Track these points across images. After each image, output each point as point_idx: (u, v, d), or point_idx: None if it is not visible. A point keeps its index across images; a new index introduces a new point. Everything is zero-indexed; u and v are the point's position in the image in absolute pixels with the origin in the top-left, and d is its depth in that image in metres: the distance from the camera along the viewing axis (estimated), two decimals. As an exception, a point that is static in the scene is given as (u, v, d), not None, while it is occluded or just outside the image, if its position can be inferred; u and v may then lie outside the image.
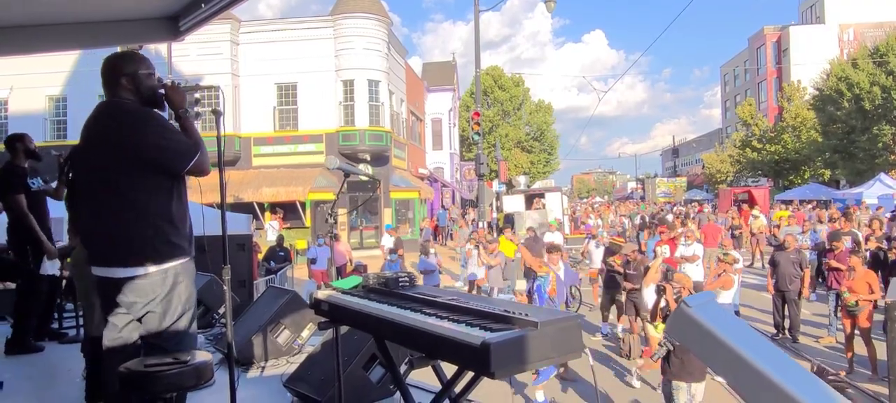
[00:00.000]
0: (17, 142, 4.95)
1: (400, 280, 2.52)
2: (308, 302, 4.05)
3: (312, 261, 14.06)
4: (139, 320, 2.55)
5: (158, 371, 2.24)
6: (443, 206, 31.88)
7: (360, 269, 14.31)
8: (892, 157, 30.80)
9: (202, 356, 2.49)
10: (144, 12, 4.69)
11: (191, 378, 2.30)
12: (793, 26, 48.79)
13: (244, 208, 18.85)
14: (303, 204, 21.52)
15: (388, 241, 16.63)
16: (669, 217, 19.77)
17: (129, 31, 4.72)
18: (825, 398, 0.99)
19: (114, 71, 2.71)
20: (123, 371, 2.23)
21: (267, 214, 21.32)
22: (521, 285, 15.99)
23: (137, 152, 2.52)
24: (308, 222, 21.75)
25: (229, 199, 20.94)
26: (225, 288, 3.07)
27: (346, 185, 2.99)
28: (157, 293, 2.54)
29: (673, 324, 1.06)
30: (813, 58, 40.63)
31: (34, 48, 5.44)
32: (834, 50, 42.74)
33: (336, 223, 2.79)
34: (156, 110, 2.77)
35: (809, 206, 25.29)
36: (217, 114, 3.09)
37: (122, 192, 2.54)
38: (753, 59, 51.93)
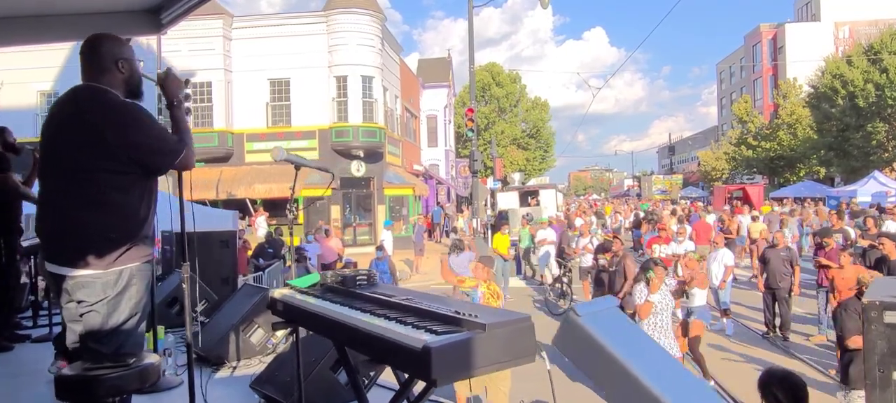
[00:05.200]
0: None
1: (357, 278, 2.41)
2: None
3: (304, 258, 13.91)
4: (80, 317, 2.42)
5: (98, 375, 2.13)
6: (438, 203, 31.76)
7: (349, 267, 14.17)
8: (886, 155, 30.81)
9: (151, 358, 2.39)
10: (125, 4, 4.62)
11: (133, 381, 2.19)
12: (788, 24, 48.76)
13: (237, 205, 18.72)
14: (295, 201, 21.38)
15: (386, 238, 16.53)
16: (711, 216, 18.77)
17: (109, 23, 4.63)
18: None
19: (108, 53, 2.55)
20: (58, 376, 2.11)
21: (259, 210, 21.22)
22: (516, 282, 15.92)
23: (124, 151, 2.39)
24: (301, 219, 21.58)
25: (222, 195, 20.98)
26: (184, 286, 2.96)
27: (297, 179, 2.87)
28: (108, 293, 2.41)
29: (559, 336, 0.95)
30: (809, 55, 40.60)
31: (12, 40, 5.32)
32: (829, 47, 42.73)
33: (295, 218, 2.68)
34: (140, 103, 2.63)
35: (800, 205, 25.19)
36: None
37: (98, 191, 2.39)
38: (749, 57, 51.92)
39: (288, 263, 11.80)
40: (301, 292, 2.52)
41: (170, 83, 2.68)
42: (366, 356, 1.86)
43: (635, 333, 1.03)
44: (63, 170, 2.45)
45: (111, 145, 2.38)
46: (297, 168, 2.75)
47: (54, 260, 2.46)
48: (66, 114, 2.52)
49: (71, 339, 2.50)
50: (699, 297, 8.02)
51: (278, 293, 2.58)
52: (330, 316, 2.06)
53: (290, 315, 2.46)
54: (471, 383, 5.33)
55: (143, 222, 2.52)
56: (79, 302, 2.42)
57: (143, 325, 2.59)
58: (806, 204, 23.53)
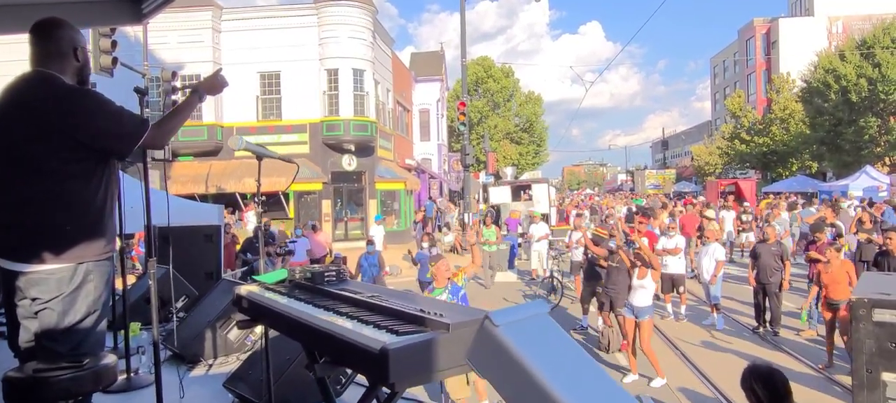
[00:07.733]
0: None
1: (326, 274, 2.30)
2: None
3: (289, 253, 13.77)
4: (35, 315, 2.30)
5: (48, 376, 2.01)
6: (430, 198, 31.64)
7: (339, 261, 14.03)
8: (878, 150, 30.87)
9: (108, 358, 2.27)
10: (105, -7, 4.46)
11: (87, 383, 2.07)
12: (782, 18, 48.79)
13: (226, 199, 18.56)
14: (285, 196, 21.24)
15: (377, 233, 16.40)
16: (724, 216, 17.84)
17: (89, 13, 4.49)
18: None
19: (67, 38, 2.45)
20: (5, 377, 1.99)
21: (250, 205, 21.05)
22: (504, 276, 15.84)
23: (89, 140, 2.30)
24: (291, 213, 21.48)
25: (212, 190, 20.79)
26: (150, 282, 2.85)
27: (261, 169, 2.77)
28: (62, 290, 2.30)
29: (473, 349, 0.85)
30: (802, 50, 40.60)
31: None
32: (823, 42, 42.74)
33: (263, 211, 2.57)
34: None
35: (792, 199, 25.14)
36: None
37: (53, 181, 2.29)
38: (743, 51, 51.90)
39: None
40: (267, 288, 2.41)
41: (218, 82, 2.73)
42: (327, 357, 1.75)
43: (565, 346, 0.92)
44: (15, 161, 2.33)
45: (71, 135, 2.28)
46: (260, 159, 2.65)
47: (5, 255, 2.34)
48: (20, 103, 2.39)
49: (25, 338, 2.38)
50: (643, 294, 7.48)
51: (245, 289, 2.47)
52: (291, 315, 1.95)
53: (255, 312, 2.35)
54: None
55: (100, 213, 2.41)
56: (33, 300, 2.31)
57: (103, 324, 2.47)
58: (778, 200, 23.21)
